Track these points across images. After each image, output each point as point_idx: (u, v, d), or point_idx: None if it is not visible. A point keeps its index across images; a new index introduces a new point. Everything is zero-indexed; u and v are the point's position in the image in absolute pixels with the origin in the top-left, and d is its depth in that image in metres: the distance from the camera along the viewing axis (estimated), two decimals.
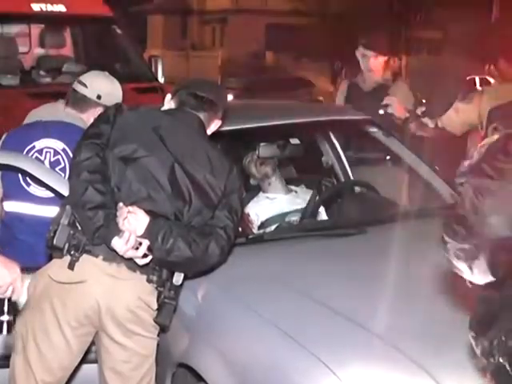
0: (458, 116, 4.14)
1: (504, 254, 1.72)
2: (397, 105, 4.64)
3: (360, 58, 5.16)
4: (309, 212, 3.81)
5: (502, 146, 1.76)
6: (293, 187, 4.10)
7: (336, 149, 4.49)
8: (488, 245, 1.73)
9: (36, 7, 7.74)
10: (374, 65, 5.12)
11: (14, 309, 2.77)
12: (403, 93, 5.05)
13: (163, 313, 2.74)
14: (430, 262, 2.73)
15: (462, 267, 1.78)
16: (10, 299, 2.51)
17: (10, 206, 3.35)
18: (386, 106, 4.63)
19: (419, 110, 4.64)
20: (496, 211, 1.72)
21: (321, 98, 14.76)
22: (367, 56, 5.10)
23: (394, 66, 5.72)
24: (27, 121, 3.57)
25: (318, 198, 3.88)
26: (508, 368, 1.76)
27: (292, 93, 12.65)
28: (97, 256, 2.73)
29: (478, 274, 1.78)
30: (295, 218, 3.90)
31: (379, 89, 5.06)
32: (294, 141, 4.18)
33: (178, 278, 2.77)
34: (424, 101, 5.16)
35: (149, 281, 2.75)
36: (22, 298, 2.72)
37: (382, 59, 5.14)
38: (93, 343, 2.87)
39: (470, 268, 1.77)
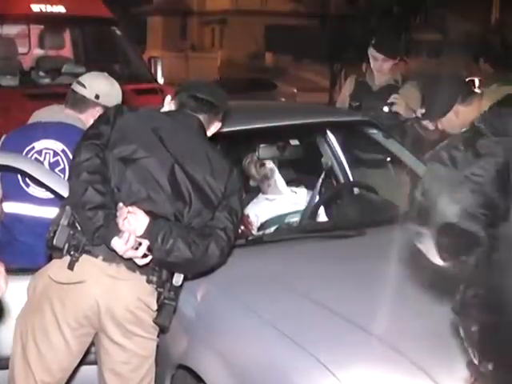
0: (458, 118, 4.14)
1: (447, 239, 1.76)
2: (403, 104, 4.64)
3: (371, 59, 5.16)
4: (308, 213, 3.81)
5: (466, 138, 1.79)
6: (292, 188, 4.10)
7: (336, 150, 4.49)
8: (434, 229, 1.77)
9: (36, 8, 7.75)
10: (383, 67, 5.12)
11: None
12: (413, 94, 5.04)
13: (163, 314, 2.74)
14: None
15: (423, 249, 1.82)
16: None
17: (10, 207, 3.35)
18: (392, 104, 4.63)
19: (419, 112, 4.64)
20: (441, 197, 1.75)
21: (282, 100, 14.68)
22: (377, 58, 5.10)
23: (405, 67, 5.69)
24: (30, 122, 3.56)
25: (317, 199, 3.88)
26: (472, 355, 1.79)
27: (253, 94, 12.54)
28: (96, 256, 2.73)
29: (435, 257, 1.82)
30: (295, 220, 3.90)
31: (388, 89, 5.06)
32: (294, 142, 4.18)
33: (177, 278, 2.77)
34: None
35: (148, 281, 2.75)
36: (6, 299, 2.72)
37: (391, 62, 5.15)
38: (92, 344, 2.87)
39: (427, 251, 1.82)
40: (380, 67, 5.11)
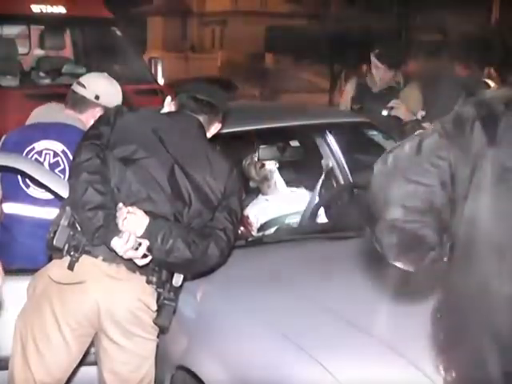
0: None
1: (392, 239, 1.77)
2: (403, 108, 4.67)
3: (373, 66, 5.19)
4: (308, 214, 3.81)
5: (417, 140, 1.80)
6: (292, 189, 4.10)
7: (336, 151, 4.49)
8: (381, 229, 1.78)
9: (36, 9, 7.76)
10: (385, 75, 5.16)
11: None
12: (414, 96, 5.09)
13: (163, 314, 2.74)
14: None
15: (378, 248, 1.85)
16: None
17: (10, 208, 3.35)
18: (391, 108, 4.65)
19: (419, 115, 4.67)
20: (384, 198, 1.76)
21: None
22: (379, 68, 5.14)
23: (407, 69, 5.71)
24: (29, 121, 3.56)
25: (317, 200, 3.89)
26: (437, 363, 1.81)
27: None
28: (96, 257, 2.73)
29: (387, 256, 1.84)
30: (295, 221, 3.90)
31: (389, 90, 5.10)
32: (294, 143, 4.18)
33: (177, 279, 2.77)
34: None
35: (148, 282, 2.75)
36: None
37: (393, 71, 5.18)
38: (92, 344, 2.87)
39: (381, 250, 1.84)
40: (382, 75, 5.15)
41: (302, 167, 4.52)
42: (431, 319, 1.89)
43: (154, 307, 2.76)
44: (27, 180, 3.30)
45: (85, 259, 2.73)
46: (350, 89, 5.43)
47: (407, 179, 1.75)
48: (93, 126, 2.94)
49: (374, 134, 4.21)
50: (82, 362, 2.88)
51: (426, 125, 4.23)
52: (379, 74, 5.16)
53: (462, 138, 1.73)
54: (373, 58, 5.17)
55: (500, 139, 1.70)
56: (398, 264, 1.87)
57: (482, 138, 1.71)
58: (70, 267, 2.72)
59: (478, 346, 1.73)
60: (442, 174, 1.73)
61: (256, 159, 4.01)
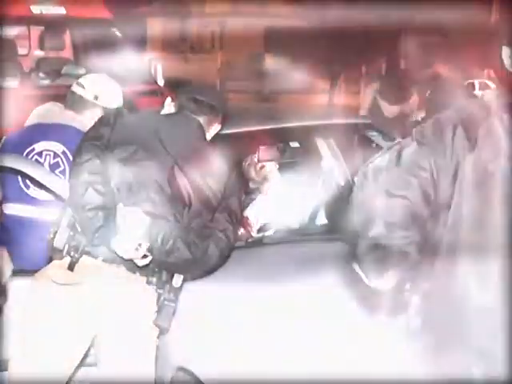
0: None
1: (373, 256, 1.76)
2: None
3: (377, 97, 5.23)
4: (308, 215, 3.81)
5: (396, 150, 1.80)
6: (292, 190, 4.10)
7: (336, 152, 4.49)
8: (362, 248, 1.77)
9: (36, 9, 7.75)
10: (388, 109, 5.18)
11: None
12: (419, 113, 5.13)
13: (162, 315, 2.74)
14: None
15: (357, 271, 1.84)
16: None
17: (10, 209, 3.35)
18: None
19: (419, 116, 4.68)
20: (366, 214, 1.75)
21: None
22: (383, 104, 5.15)
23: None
24: (29, 121, 3.56)
25: (317, 201, 3.89)
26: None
27: None
28: (96, 257, 2.74)
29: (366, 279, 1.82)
30: (294, 222, 3.90)
31: (400, 118, 5.13)
32: (294, 144, 4.18)
33: (177, 279, 2.78)
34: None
35: (148, 282, 2.75)
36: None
37: (399, 107, 5.19)
38: (92, 345, 2.87)
39: (361, 272, 1.83)
40: (386, 110, 5.17)
41: (302, 168, 4.53)
42: (417, 327, 1.89)
43: (154, 308, 2.76)
44: (27, 181, 3.30)
45: (85, 260, 2.73)
46: (367, 98, 5.45)
47: (389, 193, 1.72)
48: (93, 127, 2.94)
49: (374, 135, 4.21)
50: (82, 363, 2.88)
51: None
52: (384, 108, 5.18)
53: (442, 145, 1.71)
54: (376, 96, 5.20)
55: (481, 143, 1.69)
56: (377, 284, 1.83)
57: (464, 142, 1.69)
58: (70, 268, 2.72)
59: (461, 355, 1.73)
60: (424, 185, 1.70)
61: (256, 160, 4.01)
